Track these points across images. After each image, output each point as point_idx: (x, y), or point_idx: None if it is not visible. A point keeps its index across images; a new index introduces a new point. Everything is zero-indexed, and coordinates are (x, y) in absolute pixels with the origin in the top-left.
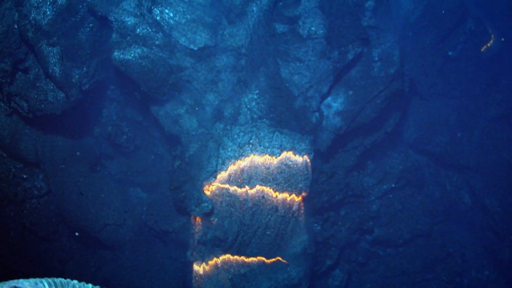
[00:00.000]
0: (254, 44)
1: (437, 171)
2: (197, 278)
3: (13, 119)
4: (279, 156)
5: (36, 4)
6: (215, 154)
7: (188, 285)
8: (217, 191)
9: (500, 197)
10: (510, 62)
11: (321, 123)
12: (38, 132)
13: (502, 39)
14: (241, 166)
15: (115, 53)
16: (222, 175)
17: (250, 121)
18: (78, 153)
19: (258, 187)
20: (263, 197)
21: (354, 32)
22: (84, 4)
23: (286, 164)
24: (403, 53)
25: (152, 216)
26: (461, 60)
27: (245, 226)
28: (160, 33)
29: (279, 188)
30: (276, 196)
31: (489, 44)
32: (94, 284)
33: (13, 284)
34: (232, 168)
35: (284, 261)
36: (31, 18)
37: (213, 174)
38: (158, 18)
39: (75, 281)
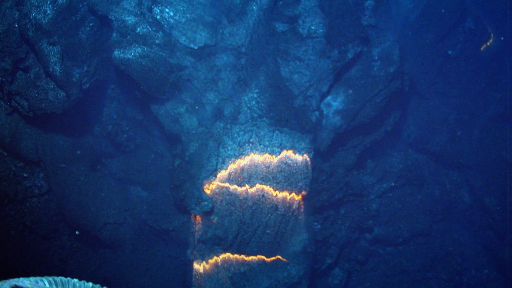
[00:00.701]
0: (254, 43)
1: (437, 170)
2: (197, 277)
3: (14, 118)
4: (279, 155)
5: (36, 3)
6: (215, 153)
7: (188, 283)
8: (217, 190)
9: (500, 196)
10: (510, 61)
11: (321, 122)
12: (39, 131)
13: (502, 38)
14: (241, 165)
15: (116, 52)
16: (222, 174)
17: (250, 120)
18: (78, 152)
19: (258, 186)
20: (263, 195)
21: (354, 31)
22: (85, 3)
23: (286, 163)
24: (402, 52)
25: (152, 214)
26: (461, 59)
27: (245, 224)
28: (160, 32)
29: (279, 187)
30: (276, 195)
31: (488, 43)
32: (95, 282)
33: (14, 283)
34: (232, 167)
35: (284, 259)
36: (31, 17)
37: (213, 173)
38: (158, 17)
39: (76, 280)
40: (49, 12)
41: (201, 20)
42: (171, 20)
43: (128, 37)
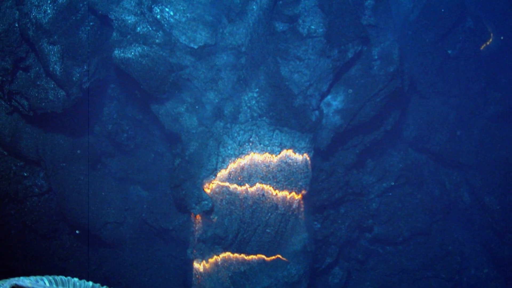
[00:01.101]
0: (254, 42)
1: (437, 169)
2: (197, 276)
3: (14, 117)
4: (279, 154)
5: (36, 3)
6: (215, 152)
7: (188, 283)
8: (217, 189)
9: (499, 195)
10: (509, 60)
11: (321, 122)
12: (39, 130)
13: (501, 38)
14: (241, 164)
15: (116, 52)
16: (222, 173)
17: (250, 119)
18: (78, 151)
19: (258, 185)
20: (263, 195)
21: (353, 31)
22: (85, 2)
23: (286, 162)
24: (402, 52)
25: (152, 214)
26: (461, 58)
27: (245, 224)
28: (160, 32)
29: (279, 186)
30: (276, 194)
31: (488, 43)
32: (95, 281)
33: (14, 282)
34: (232, 166)
35: (284, 259)
36: (31, 16)
37: (213, 172)
38: (158, 16)
39: (76, 279)
40: (49, 11)
41: (201, 19)
42: (171, 19)
43: (128, 36)
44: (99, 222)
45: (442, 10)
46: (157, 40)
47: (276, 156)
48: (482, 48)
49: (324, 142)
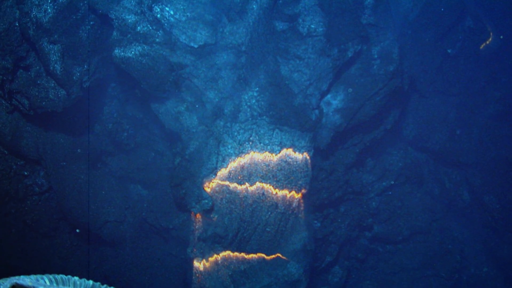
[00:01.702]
0: (254, 41)
1: (436, 168)
2: (197, 275)
3: (14, 116)
4: (279, 153)
5: (37, 2)
6: (215, 151)
7: (189, 281)
8: (217, 188)
9: (499, 194)
10: (509, 59)
11: (321, 121)
12: (39, 129)
13: (501, 37)
14: (241, 163)
15: (116, 51)
16: (222, 172)
17: (250, 119)
18: (78, 150)
19: (258, 184)
20: (263, 194)
21: (353, 30)
22: (85, 1)
23: (286, 161)
24: (402, 51)
25: (152, 213)
26: (460, 57)
27: (245, 223)
28: (160, 31)
29: (279, 185)
30: (276, 193)
31: (488, 42)
32: (95, 280)
33: (15, 281)
34: (232, 165)
35: (284, 257)
36: (32, 15)
37: (213, 171)
38: (158, 16)
39: (76, 278)
40: (49, 11)
41: (201, 18)
42: (171, 18)
43: (129, 35)
44: (99, 221)
45: (442, 9)
46: (157, 39)
47: (276, 155)
48: (481, 47)
49: (324, 141)
